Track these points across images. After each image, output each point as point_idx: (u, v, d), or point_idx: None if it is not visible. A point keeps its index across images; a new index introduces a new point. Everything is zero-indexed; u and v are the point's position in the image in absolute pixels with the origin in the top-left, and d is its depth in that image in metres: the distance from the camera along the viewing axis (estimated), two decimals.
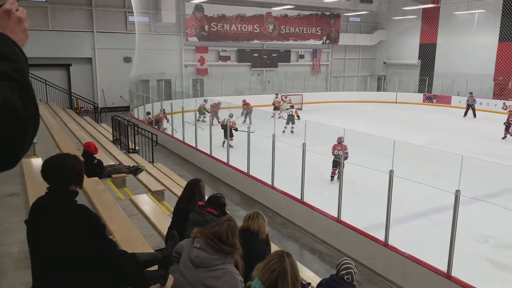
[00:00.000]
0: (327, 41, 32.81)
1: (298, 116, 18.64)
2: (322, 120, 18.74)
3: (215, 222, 3.17)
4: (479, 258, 7.35)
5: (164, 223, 5.37)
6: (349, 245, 7.57)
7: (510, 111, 18.47)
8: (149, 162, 11.05)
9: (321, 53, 33.40)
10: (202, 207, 4.44)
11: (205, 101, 19.29)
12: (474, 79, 27.06)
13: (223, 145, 13.33)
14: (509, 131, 17.60)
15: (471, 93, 24.86)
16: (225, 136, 13.39)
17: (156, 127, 16.53)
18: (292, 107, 19.64)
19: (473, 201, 7.10)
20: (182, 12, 26.25)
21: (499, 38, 27.09)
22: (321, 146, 9.34)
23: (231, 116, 15.36)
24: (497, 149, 15.74)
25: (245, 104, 20.74)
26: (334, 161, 11.04)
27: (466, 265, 6.46)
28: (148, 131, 12.59)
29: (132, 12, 23.10)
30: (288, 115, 18.37)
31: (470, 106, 24.35)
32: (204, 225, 3.85)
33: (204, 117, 18.47)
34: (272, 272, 2.61)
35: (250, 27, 29.10)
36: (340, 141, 11.04)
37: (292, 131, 17.49)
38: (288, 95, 24.64)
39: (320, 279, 4.49)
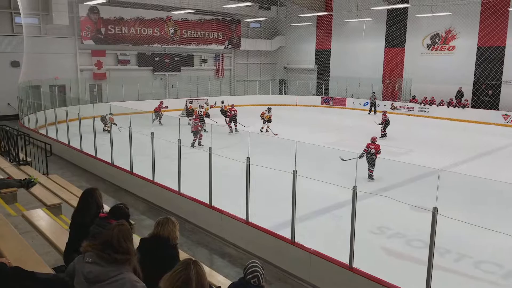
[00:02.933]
0: (229, 46, 33.23)
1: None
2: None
3: (104, 231, 3.01)
4: (376, 249, 7.88)
5: (62, 238, 5.02)
6: (258, 245, 7.68)
7: (384, 112, 20.66)
8: (43, 174, 10.21)
9: (224, 57, 33.73)
10: (104, 219, 4.19)
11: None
12: (366, 82, 29.42)
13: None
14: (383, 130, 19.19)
15: (373, 92, 27.65)
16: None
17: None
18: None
19: (369, 195, 7.64)
20: (75, 14, 24.75)
21: (385, 44, 29.82)
22: (227, 149, 9.37)
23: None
24: (390, 146, 17.14)
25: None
26: (368, 158, 11.67)
27: (366, 256, 6.89)
28: (41, 141, 11.61)
29: (19, 13, 21.13)
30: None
31: (372, 104, 27.15)
32: None
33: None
34: (176, 281, 2.49)
35: (150, 30, 28.38)
36: (374, 140, 12.26)
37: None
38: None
39: (230, 283, 4.50)
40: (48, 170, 10.69)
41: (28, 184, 7.93)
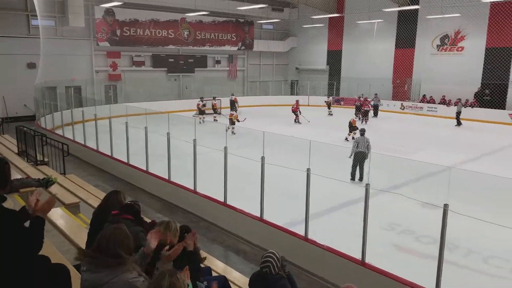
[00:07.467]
0: (243, 47, 33.46)
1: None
2: (240, 124, 19.08)
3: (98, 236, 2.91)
4: (387, 244, 8.02)
5: (81, 236, 5.15)
6: (272, 242, 7.77)
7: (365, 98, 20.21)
8: (61, 173, 10.41)
9: (237, 58, 33.99)
10: (117, 215, 4.25)
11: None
12: (376, 82, 29.47)
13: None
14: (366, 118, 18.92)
15: (376, 94, 27.23)
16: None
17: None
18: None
19: (379, 192, 7.73)
20: (91, 16, 25.21)
21: (395, 45, 30.00)
22: (242, 149, 9.49)
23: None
24: (399, 145, 17.16)
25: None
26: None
27: (377, 252, 7.00)
28: (58, 141, 11.87)
29: (36, 15, 21.61)
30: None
31: (375, 106, 26.65)
32: None
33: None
34: None
35: (165, 32, 28.73)
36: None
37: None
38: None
39: (247, 279, 4.62)
40: (65, 170, 10.93)
41: (47, 183, 8.14)
